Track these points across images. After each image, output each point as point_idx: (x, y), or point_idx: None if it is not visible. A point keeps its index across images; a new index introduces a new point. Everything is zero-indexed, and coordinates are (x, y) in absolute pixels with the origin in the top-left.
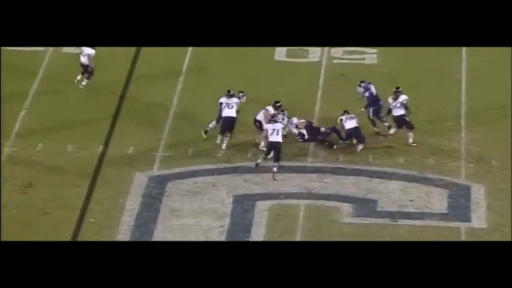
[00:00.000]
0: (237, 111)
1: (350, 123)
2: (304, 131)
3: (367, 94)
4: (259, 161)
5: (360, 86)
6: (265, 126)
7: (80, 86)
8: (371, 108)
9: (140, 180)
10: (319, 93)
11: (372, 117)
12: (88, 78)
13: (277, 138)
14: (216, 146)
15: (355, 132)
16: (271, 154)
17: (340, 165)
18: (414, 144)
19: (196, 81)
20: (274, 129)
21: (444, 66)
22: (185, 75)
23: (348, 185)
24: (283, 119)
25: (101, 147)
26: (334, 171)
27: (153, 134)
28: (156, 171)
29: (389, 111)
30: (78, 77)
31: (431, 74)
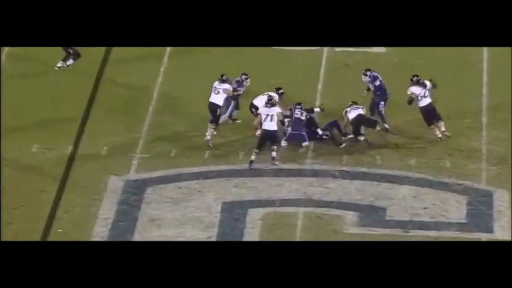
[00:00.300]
0: (228, 99)
1: (354, 112)
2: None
3: (377, 83)
4: (252, 157)
5: (366, 75)
6: (260, 110)
7: (63, 67)
8: (381, 103)
9: (115, 185)
10: (320, 85)
11: (383, 111)
12: (74, 59)
13: (270, 125)
14: (202, 146)
15: (360, 120)
16: (268, 146)
17: (344, 168)
18: (449, 134)
19: (180, 68)
20: (268, 115)
21: (462, 54)
22: (168, 62)
23: (353, 191)
24: (301, 113)
25: (70, 147)
26: (337, 175)
27: (130, 132)
28: (133, 174)
29: (411, 101)
30: (59, 64)
31: (447, 64)
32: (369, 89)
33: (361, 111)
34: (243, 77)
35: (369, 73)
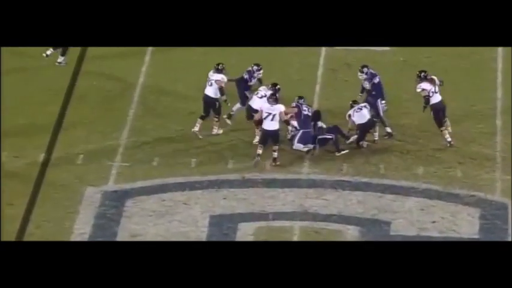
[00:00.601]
0: (222, 93)
1: (361, 116)
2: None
3: (377, 80)
4: (259, 151)
5: (362, 72)
6: (261, 106)
7: (56, 64)
8: (382, 102)
9: (92, 197)
10: (318, 87)
11: (382, 113)
12: (63, 54)
13: (271, 125)
14: (188, 153)
15: (369, 125)
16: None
17: (344, 178)
18: (453, 143)
19: (163, 68)
20: (269, 114)
21: (475, 52)
22: (150, 60)
23: (354, 203)
24: (308, 109)
25: (42, 155)
26: (337, 186)
27: (108, 138)
28: (112, 185)
29: (428, 101)
30: (48, 52)
31: (459, 63)
32: (363, 90)
33: (368, 115)
34: (255, 67)
35: (365, 70)
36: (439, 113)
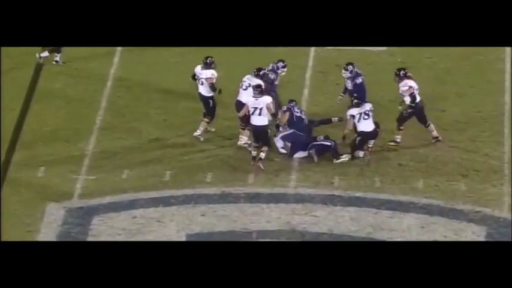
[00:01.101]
0: (216, 90)
1: (367, 124)
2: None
3: (359, 81)
4: (253, 152)
5: (347, 70)
6: (247, 100)
7: (53, 63)
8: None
9: (55, 213)
10: (306, 91)
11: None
12: (58, 51)
13: (259, 120)
14: (161, 164)
15: (373, 136)
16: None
17: (336, 192)
18: (440, 139)
19: (134, 70)
20: (256, 108)
21: (478, 53)
22: (119, 61)
23: (347, 220)
24: (301, 111)
25: None
26: (327, 201)
27: (73, 148)
28: (76, 201)
29: (414, 99)
30: (43, 54)
31: (461, 64)
32: (346, 90)
33: (373, 124)
34: (280, 64)
35: (350, 67)
36: (422, 112)
